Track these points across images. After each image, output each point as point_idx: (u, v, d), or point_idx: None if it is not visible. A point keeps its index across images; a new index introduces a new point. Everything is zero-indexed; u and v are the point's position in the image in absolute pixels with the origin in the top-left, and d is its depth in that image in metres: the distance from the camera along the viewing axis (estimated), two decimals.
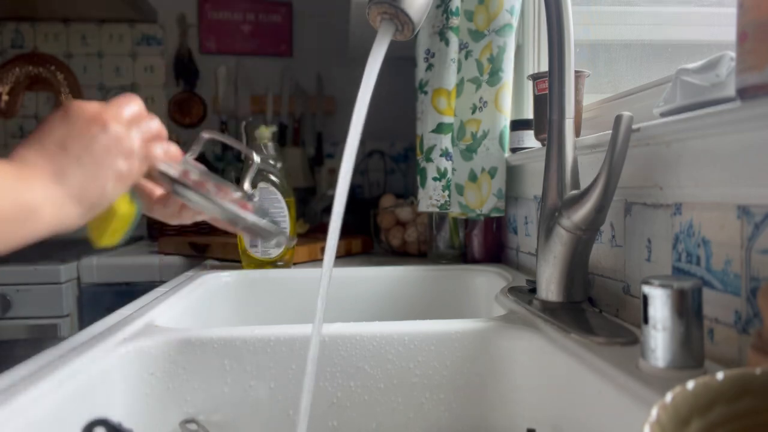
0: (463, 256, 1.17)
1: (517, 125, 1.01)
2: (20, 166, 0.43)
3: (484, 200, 1.02)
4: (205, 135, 0.61)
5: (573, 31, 0.63)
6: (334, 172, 2.01)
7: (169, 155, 0.54)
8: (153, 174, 0.54)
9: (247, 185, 0.61)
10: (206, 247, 1.30)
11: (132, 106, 0.51)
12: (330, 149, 2.04)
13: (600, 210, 0.58)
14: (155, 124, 0.53)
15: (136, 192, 0.55)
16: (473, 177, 1.04)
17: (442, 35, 1.16)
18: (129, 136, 0.49)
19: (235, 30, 2.04)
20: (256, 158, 0.64)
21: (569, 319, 0.59)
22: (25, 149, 0.45)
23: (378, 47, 0.52)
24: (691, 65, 0.53)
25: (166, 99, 2.03)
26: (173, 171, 0.54)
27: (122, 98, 0.51)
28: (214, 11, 2.03)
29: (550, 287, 0.64)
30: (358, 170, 1.99)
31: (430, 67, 1.18)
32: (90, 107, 0.48)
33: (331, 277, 0.51)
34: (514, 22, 1.00)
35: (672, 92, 0.55)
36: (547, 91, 0.66)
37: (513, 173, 1.03)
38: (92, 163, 0.46)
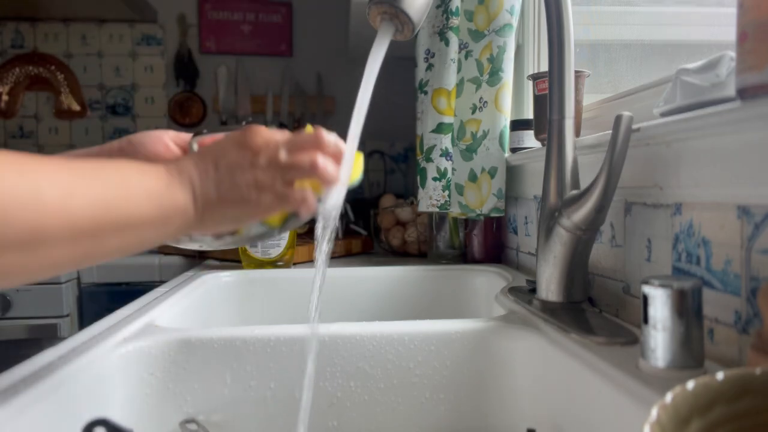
0: (463, 256, 1.17)
1: (517, 125, 1.01)
2: (174, 169, 0.44)
3: (484, 200, 1.02)
4: None
5: (573, 31, 0.63)
6: None
7: (306, 205, 0.49)
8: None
9: None
10: None
11: (301, 146, 0.48)
12: None
13: (600, 210, 0.58)
14: (320, 167, 0.48)
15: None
16: (473, 177, 1.04)
17: (442, 35, 1.16)
18: (270, 174, 0.47)
19: (235, 30, 2.04)
20: None
21: (569, 319, 0.59)
22: (192, 155, 0.47)
23: (378, 47, 0.52)
24: (691, 65, 0.53)
25: (166, 99, 2.03)
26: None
27: (298, 137, 0.49)
28: (214, 11, 2.03)
29: (550, 287, 0.64)
30: None
31: (430, 67, 1.18)
32: (259, 136, 0.48)
33: (324, 276, 0.51)
34: (514, 22, 1.00)
35: (672, 92, 0.55)
36: (547, 91, 0.66)
37: (513, 173, 1.03)
38: (225, 187, 0.46)
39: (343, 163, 0.50)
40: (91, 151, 0.63)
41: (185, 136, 0.64)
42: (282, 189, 0.47)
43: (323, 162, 0.48)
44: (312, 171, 0.48)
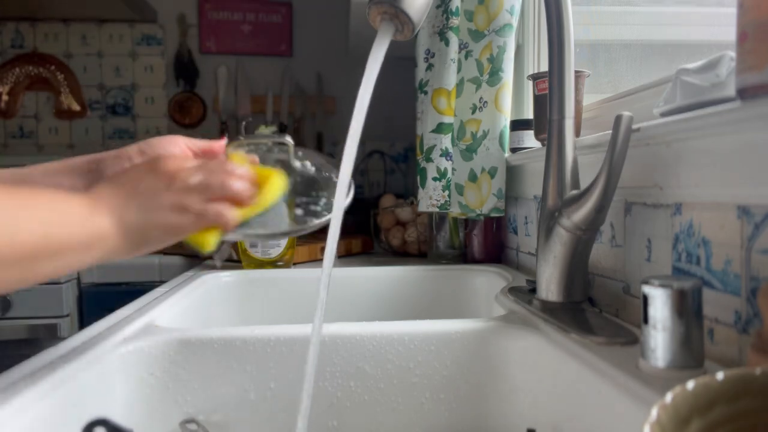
0: (463, 256, 1.17)
1: (517, 125, 1.01)
2: (94, 198, 0.47)
3: (484, 200, 1.02)
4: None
5: (573, 31, 0.63)
6: None
7: (222, 220, 0.53)
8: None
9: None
10: None
11: (212, 171, 0.53)
12: (330, 149, 2.04)
13: (600, 210, 0.58)
14: (233, 187, 0.53)
15: None
16: (473, 177, 1.04)
17: (442, 35, 1.16)
18: (188, 196, 0.51)
19: (235, 30, 2.04)
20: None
21: (569, 319, 0.59)
22: (104, 183, 0.50)
23: (378, 47, 0.52)
24: (691, 65, 0.53)
25: (166, 99, 2.03)
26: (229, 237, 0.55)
27: (212, 163, 0.54)
28: (214, 11, 2.03)
29: (550, 287, 0.64)
30: (358, 170, 1.99)
31: (430, 67, 1.18)
32: (169, 164, 0.51)
33: (330, 276, 0.51)
34: (514, 22, 1.00)
35: (672, 92, 0.55)
36: (547, 91, 0.66)
37: (513, 173, 1.03)
38: (148, 210, 0.49)
39: (341, 168, 0.51)
40: (109, 154, 0.64)
41: (200, 143, 0.66)
42: (199, 208, 0.51)
43: (231, 182, 0.52)
44: (223, 191, 0.52)
